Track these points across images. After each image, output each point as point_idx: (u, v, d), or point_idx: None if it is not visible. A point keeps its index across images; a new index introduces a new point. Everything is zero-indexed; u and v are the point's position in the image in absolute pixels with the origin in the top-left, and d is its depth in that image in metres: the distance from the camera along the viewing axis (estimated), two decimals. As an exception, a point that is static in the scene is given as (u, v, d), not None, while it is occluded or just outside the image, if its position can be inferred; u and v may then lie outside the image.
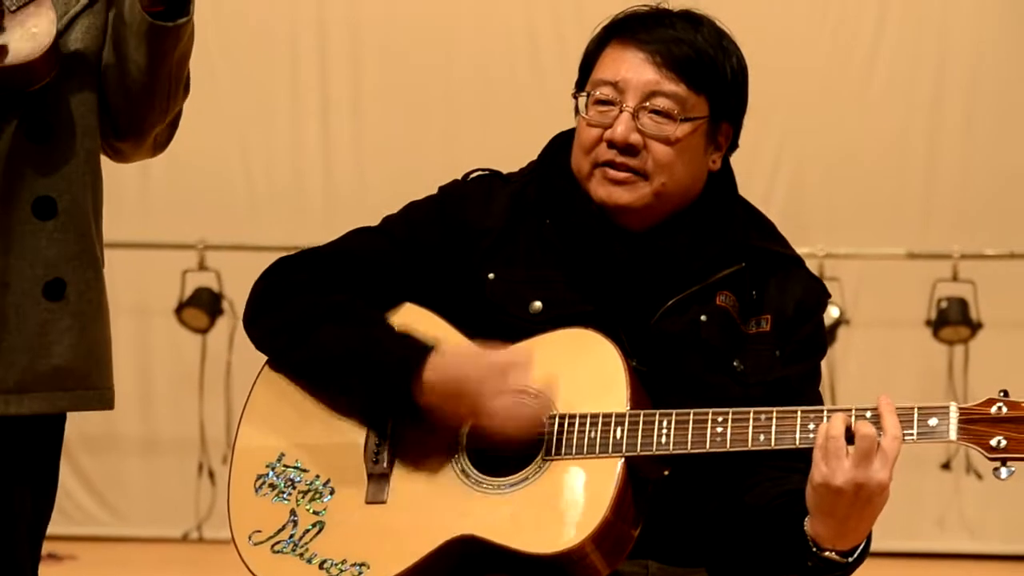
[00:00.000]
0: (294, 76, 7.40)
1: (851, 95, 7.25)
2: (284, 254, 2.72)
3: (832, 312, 6.77)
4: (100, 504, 7.36)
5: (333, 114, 7.40)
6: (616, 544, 2.47)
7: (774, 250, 2.70)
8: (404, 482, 2.56)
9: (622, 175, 2.62)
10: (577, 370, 2.54)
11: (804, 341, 2.68)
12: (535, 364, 2.52)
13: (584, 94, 2.66)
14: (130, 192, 7.12)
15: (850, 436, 2.39)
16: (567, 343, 2.56)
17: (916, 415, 2.41)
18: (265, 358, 2.70)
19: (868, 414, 2.41)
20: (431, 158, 6.87)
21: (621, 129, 2.60)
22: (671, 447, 2.47)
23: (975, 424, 2.40)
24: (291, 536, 2.57)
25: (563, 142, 2.73)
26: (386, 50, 7.34)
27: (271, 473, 2.62)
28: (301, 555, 2.55)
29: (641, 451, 2.47)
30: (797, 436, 2.44)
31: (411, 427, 2.57)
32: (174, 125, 2.78)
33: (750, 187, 2.86)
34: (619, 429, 2.48)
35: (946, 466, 6.91)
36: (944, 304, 6.95)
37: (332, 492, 2.59)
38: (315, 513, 2.58)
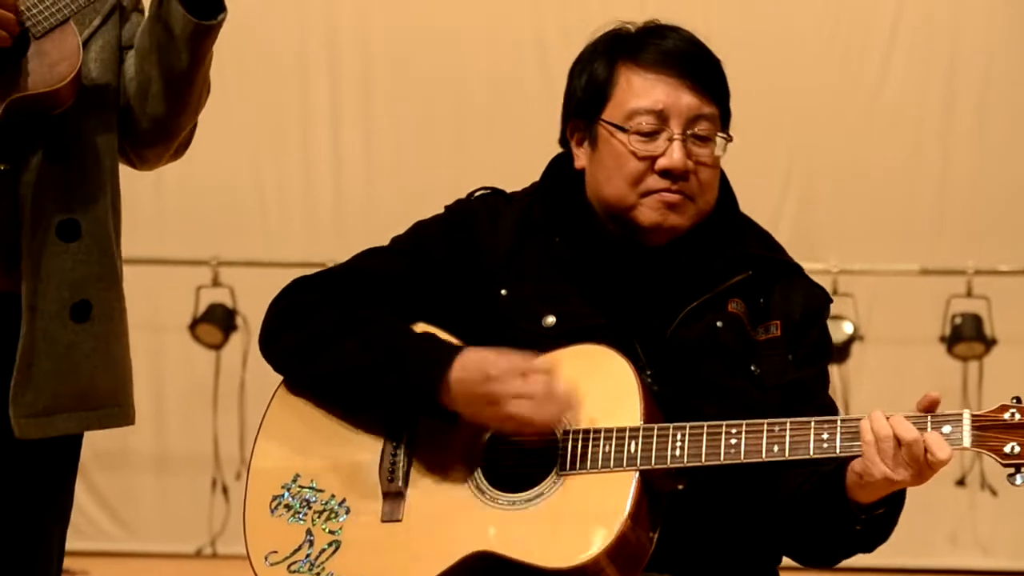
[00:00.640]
0: (304, 92, 7.40)
1: (862, 111, 7.23)
2: (297, 270, 2.73)
3: (846, 328, 6.74)
4: (113, 520, 7.36)
5: (344, 129, 7.40)
6: (632, 558, 2.47)
7: (776, 258, 2.73)
8: (419, 500, 2.56)
9: (676, 198, 2.64)
10: (590, 386, 2.54)
11: (813, 345, 2.71)
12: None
13: (614, 126, 2.65)
14: (144, 208, 7.11)
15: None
16: (579, 359, 2.56)
17: (929, 423, 2.43)
18: (280, 377, 2.70)
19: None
20: (442, 171, 6.87)
21: (678, 157, 2.62)
22: (685, 459, 2.48)
23: (988, 431, 2.41)
24: (307, 556, 2.58)
25: (563, 163, 2.75)
26: (396, 64, 7.34)
27: (286, 494, 2.63)
28: (318, 575, 2.56)
29: (656, 464, 2.48)
30: (811, 446, 2.45)
31: (426, 445, 2.58)
32: (195, 124, 2.80)
33: (761, 204, 2.88)
34: (633, 443, 2.49)
35: (961, 482, 6.88)
36: (958, 320, 6.91)
37: (348, 511, 2.59)
38: (331, 532, 2.58)
